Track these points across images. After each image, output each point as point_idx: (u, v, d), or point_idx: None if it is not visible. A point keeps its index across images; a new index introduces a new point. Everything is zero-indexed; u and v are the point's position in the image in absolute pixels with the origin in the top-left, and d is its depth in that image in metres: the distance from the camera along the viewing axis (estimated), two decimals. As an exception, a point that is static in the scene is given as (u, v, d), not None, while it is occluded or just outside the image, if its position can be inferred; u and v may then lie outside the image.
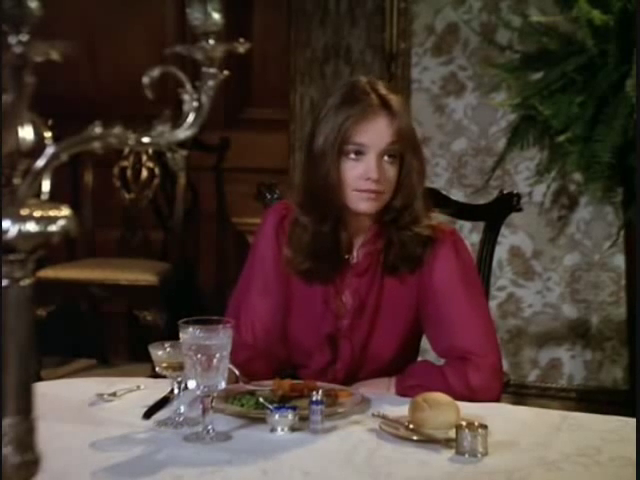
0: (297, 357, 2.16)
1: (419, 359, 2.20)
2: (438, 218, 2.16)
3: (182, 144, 1.04)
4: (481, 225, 2.54)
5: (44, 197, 0.99)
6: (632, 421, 1.77)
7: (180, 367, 1.77)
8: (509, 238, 3.99)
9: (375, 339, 2.10)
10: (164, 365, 1.81)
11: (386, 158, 2.02)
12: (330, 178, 2.02)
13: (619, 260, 3.80)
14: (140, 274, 4.37)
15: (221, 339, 1.73)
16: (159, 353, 1.82)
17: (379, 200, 2.03)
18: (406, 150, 2.04)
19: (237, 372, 1.92)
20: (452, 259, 2.08)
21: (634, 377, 3.55)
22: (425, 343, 2.17)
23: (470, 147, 4.07)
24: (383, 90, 2.05)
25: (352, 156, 2.02)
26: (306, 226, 2.07)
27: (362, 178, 2.01)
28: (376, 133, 2.01)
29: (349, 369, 2.11)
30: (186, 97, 1.04)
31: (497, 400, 2.01)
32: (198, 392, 1.72)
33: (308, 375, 2.09)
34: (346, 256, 2.11)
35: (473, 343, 2.02)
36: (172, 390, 1.84)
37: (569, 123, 3.20)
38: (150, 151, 4.60)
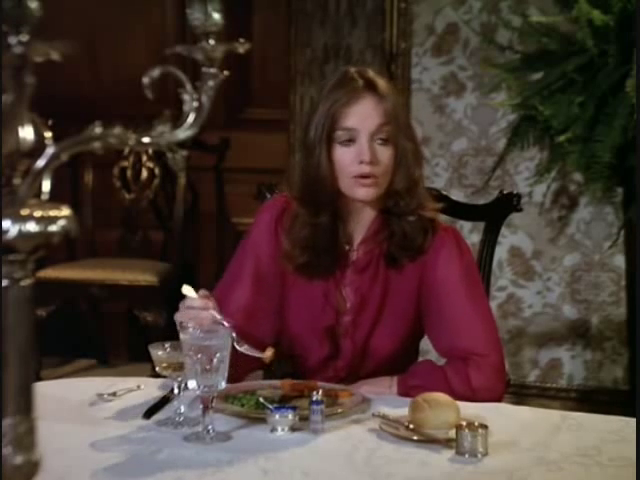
0: (297, 350, 2.15)
1: (420, 359, 2.20)
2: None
3: (182, 144, 1.04)
4: (481, 225, 2.54)
5: (44, 197, 0.99)
6: (632, 421, 1.77)
7: (180, 367, 1.77)
8: (509, 238, 3.99)
9: (377, 335, 2.10)
10: (164, 365, 1.81)
11: (378, 141, 2.02)
12: (322, 168, 2.02)
13: (619, 260, 3.80)
14: (140, 274, 4.37)
15: (221, 339, 1.73)
16: (159, 353, 1.82)
17: (376, 186, 2.02)
18: (398, 132, 2.03)
19: (234, 334, 1.86)
20: (455, 259, 2.08)
21: (634, 377, 3.54)
22: (426, 344, 2.17)
23: (470, 147, 4.06)
24: (370, 74, 2.06)
25: (344, 142, 2.02)
26: (304, 219, 2.07)
27: (355, 162, 2.00)
28: (364, 115, 2.01)
29: (351, 366, 2.11)
30: (186, 97, 1.03)
31: (499, 400, 2.00)
32: (198, 392, 1.72)
33: (308, 368, 2.09)
34: (347, 247, 2.10)
35: (475, 343, 2.02)
36: (172, 390, 1.84)
37: (569, 123, 3.19)
38: (150, 151, 4.60)
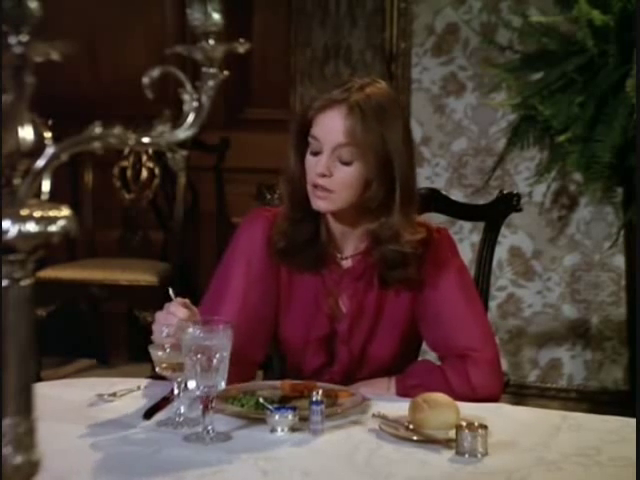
0: (291, 361, 2.14)
1: (419, 358, 2.20)
2: (429, 220, 2.14)
3: (182, 144, 1.04)
4: (481, 225, 2.54)
5: (44, 197, 0.99)
6: (632, 421, 1.77)
7: (180, 367, 1.77)
8: (509, 238, 3.99)
9: (374, 343, 2.09)
10: (164, 365, 1.81)
11: (341, 158, 1.97)
12: (291, 167, 2.05)
13: (619, 260, 3.80)
14: (140, 274, 4.37)
15: (221, 339, 1.73)
16: (159, 353, 1.82)
17: (328, 199, 1.99)
18: (360, 155, 1.96)
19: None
20: (450, 262, 2.07)
21: (634, 377, 3.54)
22: (425, 344, 2.17)
23: (470, 147, 4.07)
24: (362, 87, 1.98)
25: (313, 151, 2.01)
26: (284, 212, 2.07)
27: (313, 171, 2.00)
28: (328, 127, 1.98)
29: (347, 372, 2.10)
30: (186, 97, 1.03)
31: (498, 396, 2.01)
32: (198, 392, 1.72)
33: (303, 376, 2.08)
34: (338, 255, 2.10)
35: (471, 340, 2.02)
36: (172, 390, 1.84)
37: (569, 123, 3.20)
38: (150, 151, 4.60)
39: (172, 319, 1.87)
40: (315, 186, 1.99)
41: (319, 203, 2.01)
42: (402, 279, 2.04)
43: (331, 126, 1.97)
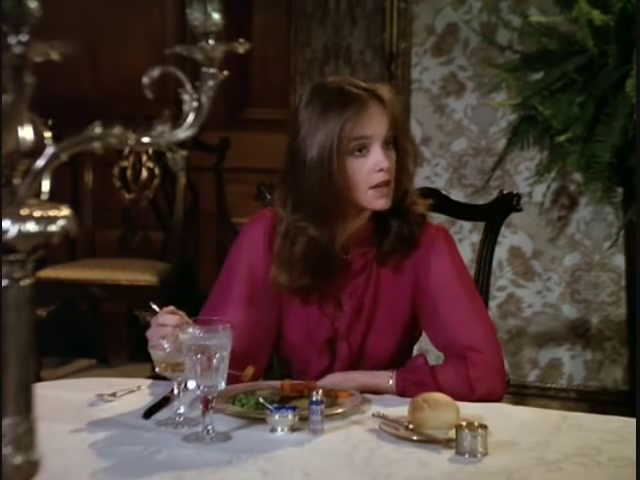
0: (296, 364, 2.14)
1: (415, 352, 2.20)
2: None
3: (182, 144, 1.04)
4: (481, 225, 2.54)
5: (44, 197, 0.99)
6: (632, 421, 1.77)
7: (180, 367, 1.77)
8: (509, 238, 3.99)
9: (372, 337, 2.10)
10: (164, 365, 1.81)
11: (387, 146, 2.01)
12: (335, 183, 1.97)
13: (619, 260, 3.80)
14: (140, 274, 4.37)
15: (221, 339, 1.73)
16: (159, 353, 1.82)
17: (390, 193, 2.01)
18: (399, 134, 2.03)
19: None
20: (448, 259, 2.08)
21: (634, 377, 3.54)
22: (426, 343, 2.17)
23: (470, 147, 4.06)
24: (364, 84, 2.04)
25: (357, 153, 1.99)
26: (298, 237, 2.01)
27: (374, 171, 1.98)
28: (374, 123, 1.99)
29: (348, 369, 2.10)
30: (186, 97, 1.03)
31: (500, 397, 2.00)
32: (198, 392, 1.72)
33: (307, 378, 2.08)
34: (344, 256, 2.09)
35: (474, 342, 2.02)
36: (172, 390, 1.84)
37: (569, 123, 3.19)
38: (150, 151, 4.60)
39: (165, 330, 1.87)
40: (377, 186, 1.99)
41: (384, 201, 2.00)
42: (407, 239, 2.05)
43: (376, 120, 1.99)
